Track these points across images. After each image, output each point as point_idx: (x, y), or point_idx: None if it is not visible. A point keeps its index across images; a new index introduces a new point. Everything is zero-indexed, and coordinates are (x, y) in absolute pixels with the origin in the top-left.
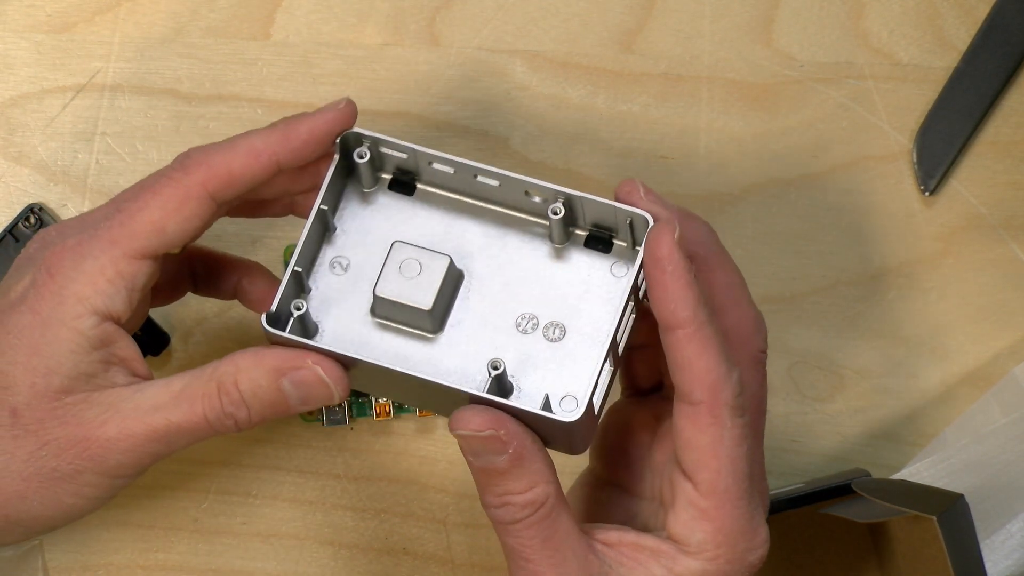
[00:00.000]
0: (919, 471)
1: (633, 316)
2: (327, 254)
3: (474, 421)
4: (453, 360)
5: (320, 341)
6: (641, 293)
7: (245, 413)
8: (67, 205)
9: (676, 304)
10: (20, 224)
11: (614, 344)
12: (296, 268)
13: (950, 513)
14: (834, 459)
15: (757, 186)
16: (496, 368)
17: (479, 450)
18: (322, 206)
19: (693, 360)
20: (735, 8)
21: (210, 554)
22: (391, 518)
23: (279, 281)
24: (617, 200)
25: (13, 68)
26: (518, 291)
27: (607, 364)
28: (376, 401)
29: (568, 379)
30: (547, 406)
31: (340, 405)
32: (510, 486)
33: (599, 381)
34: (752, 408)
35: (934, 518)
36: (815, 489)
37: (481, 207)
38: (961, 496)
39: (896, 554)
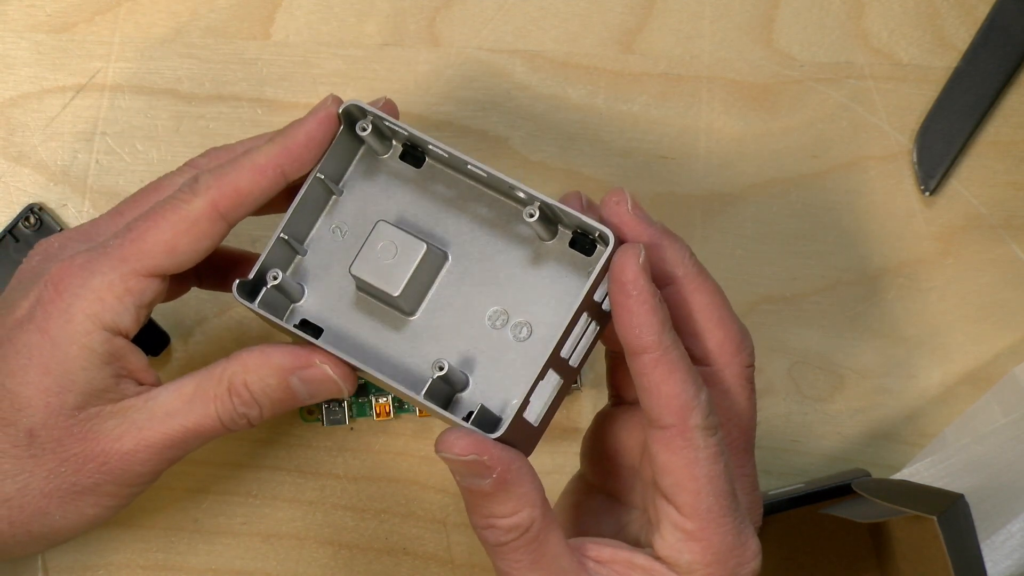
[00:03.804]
0: (919, 471)
1: (597, 329)
2: (329, 218)
3: (457, 445)
4: (422, 345)
5: (303, 307)
6: (605, 307)
7: (257, 411)
8: (67, 205)
9: (641, 329)
10: (20, 224)
11: (555, 357)
12: (283, 235)
13: (950, 513)
14: (834, 459)
15: (757, 186)
16: (441, 369)
17: (463, 472)
18: (319, 175)
19: (660, 384)
20: (735, 8)
21: (210, 554)
22: (391, 518)
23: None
24: (603, 209)
25: (13, 68)
26: (496, 285)
27: (543, 379)
28: (376, 401)
29: (525, 382)
30: (484, 414)
31: (340, 405)
32: (495, 509)
33: (531, 395)
34: (742, 424)
35: (934, 518)
36: (815, 489)
37: (480, 194)
38: (961, 496)
39: (896, 554)
